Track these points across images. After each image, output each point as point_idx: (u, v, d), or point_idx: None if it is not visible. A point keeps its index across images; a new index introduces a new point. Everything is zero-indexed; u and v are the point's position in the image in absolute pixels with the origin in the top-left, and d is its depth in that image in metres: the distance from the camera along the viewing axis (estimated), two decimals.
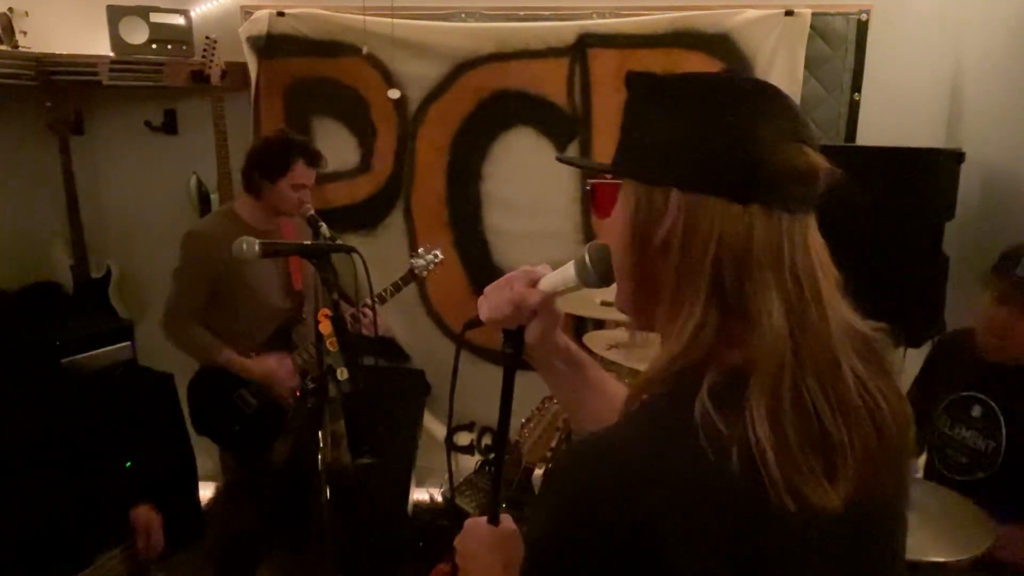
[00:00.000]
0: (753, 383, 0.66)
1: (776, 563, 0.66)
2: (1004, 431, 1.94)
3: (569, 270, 0.92)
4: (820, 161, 0.71)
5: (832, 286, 0.72)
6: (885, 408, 0.71)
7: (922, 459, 2.23)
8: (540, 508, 0.73)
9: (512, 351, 0.99)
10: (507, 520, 0.98)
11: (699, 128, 0.70)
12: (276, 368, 2.51)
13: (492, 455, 3.16)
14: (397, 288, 2.75)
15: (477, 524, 0.98)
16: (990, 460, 1.96)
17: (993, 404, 1.97)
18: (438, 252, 2.81)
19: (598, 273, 0.89)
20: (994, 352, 1.95)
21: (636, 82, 0.76)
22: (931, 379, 2.20)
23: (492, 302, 0.97)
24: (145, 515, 1.89)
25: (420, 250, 2.83)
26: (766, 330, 0.67)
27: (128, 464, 2.44)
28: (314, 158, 2.53)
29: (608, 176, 0.79)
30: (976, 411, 2.01)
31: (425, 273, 2.78)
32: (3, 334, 2.74)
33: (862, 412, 0.69)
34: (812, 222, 0.72)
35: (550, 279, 0.96)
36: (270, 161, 2.48)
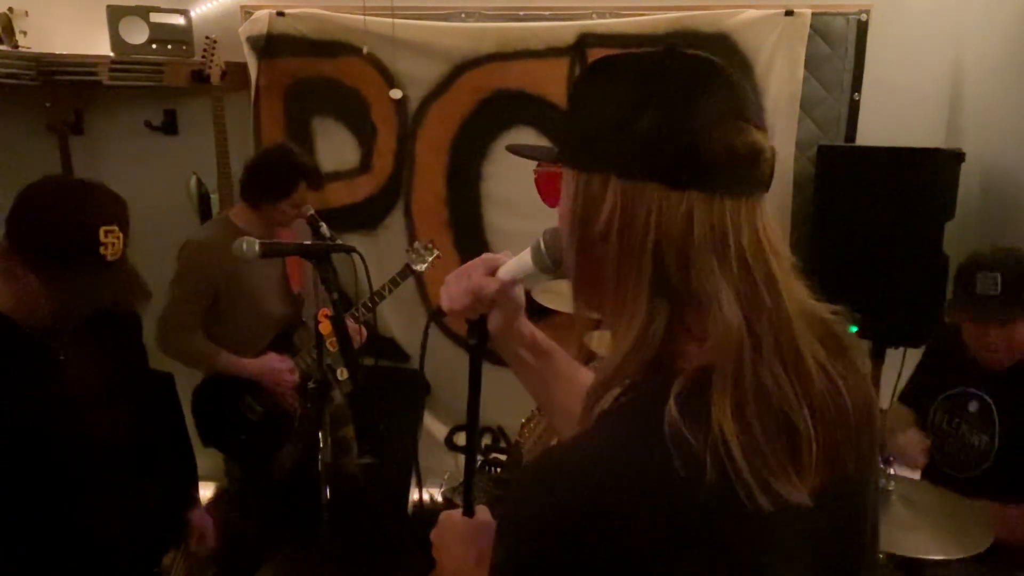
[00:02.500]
0: (715, 379, 0.64)
1: (755, 561, 0.65)
2: (997, 427, 1.95)
3: (526, 257, 0.91)
4: (761, 141, 0.68)
5: (786, 269, 0.70)
6: (845, 392, 0.70)
7: None
8: (504, 527, 0.69)
9: (476, 341, 0.99)
10: (482, 512, 0.98)
11: (633, 112, 0.66)
12: (276, 365, 2.50)
13: (492, 455, 3.16)
14: (395, 284, 2.74)
15: (451, 516, 0.98)
16: (985, 455, 1.97)
17: (989, 400, 1.98)
18: (432, 245, 2.79)
19: (552, 258, 0.87)
20: (994, 362, 1.97)
21: (587, 65, 0.74)
22: (928, 374, 2.21)
23: (451, 292, 0.96)
24: (199, 519, 1.89)
25: (416, 244, 2.82)
26: (719, 319, 0.65)
27: None
28: (317, 183, 2.53)
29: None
30: (973, 406, 2.02)
31: (422, 267, 2.76)
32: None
33: (825, 398, 0.68)
34: (760, 204, 0.69)
35: (508, 267, 0.95)
36: (273, 182, 2.47)
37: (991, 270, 1.88)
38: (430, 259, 2.77)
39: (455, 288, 0.96)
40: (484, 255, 0.97)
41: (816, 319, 0.72)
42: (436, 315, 1.00)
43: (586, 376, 1.05)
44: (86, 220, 1.43)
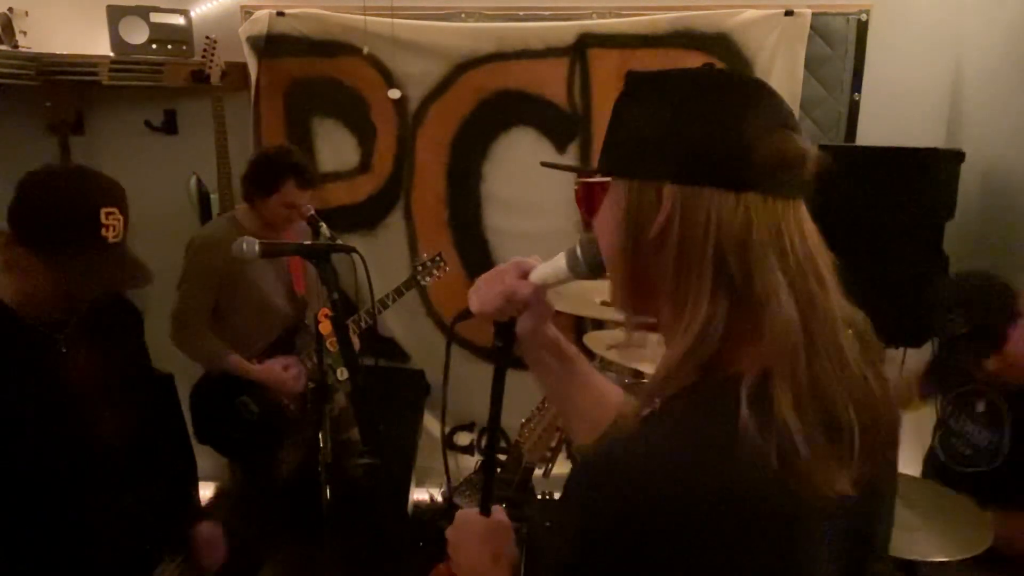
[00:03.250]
0: (776, 376, 0.66)
1: (804, 550, 0.67)
2: (1007, 427, 1.95)
3: (560, 262, 0.92)
4: (808, 147, 0.71)
5: (830, 270, 0.72)
6: (878, 396, 0.72)
7: (922, 451, 2.24)
8: (568, 516, 0.70)
9: (503, 344, 0.99)
10: (498, 512, 0.98)
11: (687, 121, 0.69)
12: (282, 375, 2.51)
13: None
14: (399, 294, 2.77)
15: (468, 515, 0.98)
16: (992, 454, 1.97)
17: (997, 400, 1.99)
18: (439, 258, 2.81)
19: (588, 264, 0.89)
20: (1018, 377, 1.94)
21: (626, 82, 0.76)
22: (947, 365, 2.20)
23: (483, 294, 0.97)
24: (208, 529, 1.88)
25: (424, 256, 2.84)
26: (777, 315, 0.67)
27: None
28: (305, 180, 2.53)
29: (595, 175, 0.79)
30: (980, 406, 2.03)
31: (428, 280, 2.79)
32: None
33: (862, 397, 0.70)
34: (804, 207, 0.72)
35: (541, 271, 0.95)
36: (262, 177, 2.50)
37: (957, 312, 1.90)
38: (436, 272, 2.79)
39: (487, 291, 0.96)
40: (515, 258, 0.98)
41: (851, 321, 0.74)
42: (464, 316, 1.00)
43: (603, 382, 1.06)
44: (87, 201, 1.44)
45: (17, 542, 1.51)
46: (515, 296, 0.95)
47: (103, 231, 1.44)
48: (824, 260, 0.72)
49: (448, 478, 0.90)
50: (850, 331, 0.72)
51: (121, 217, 1.47)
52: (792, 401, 0.65)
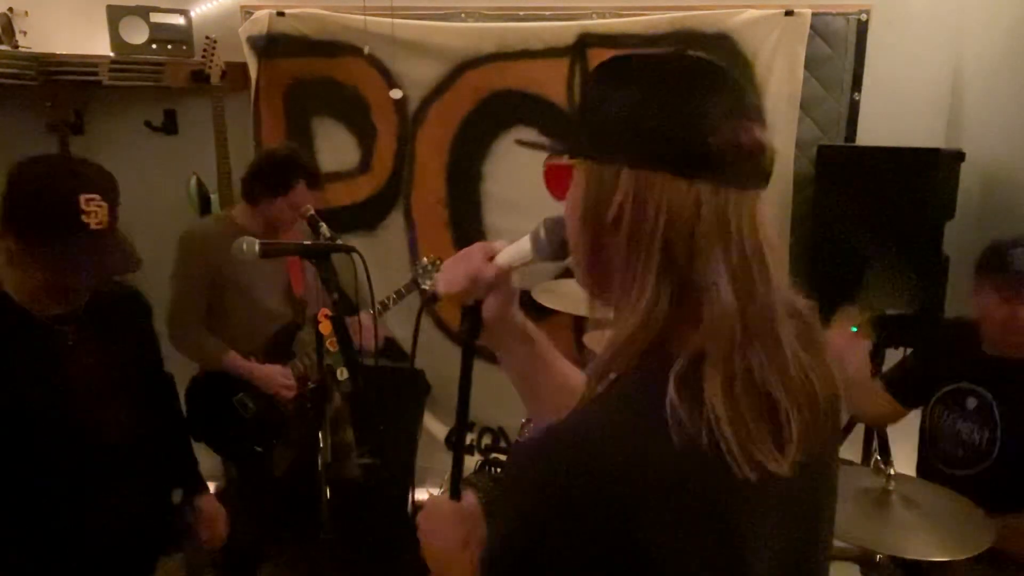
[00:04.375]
0: (708, 360, 0.68)
1: (743, 530, 0.69)
2: (999, 424, 1.93)
3: (524, 243, 0.94)
4: (764, 137, 0.72)
5: (778, 263, 0.73)
6: (815, 382, 0.74)
7: (913, 455, 2.24)
8: (508, 496, 0.72)
9: (469, 327, 1.01)
10: (469, 497, 0.99)
11: (645, 106, 0.70)
12: (280, 378, 2.51)
13: (492, 455, 3.16)
14: (400, 296, 2.77)
15: (438, 500, 0.99)
16: (985, 453, 1.96)
17: (988, 396, 1.97)
18: (440, 263, 2.81)
19: (552, 246, 0.90)
20: (1001, 345, 1.95)
21: (597, 66, 0.77)
22: (926, 368, 2.20)
23: (449, 275, 0.99)
24: (210, 504, 1.88)
25: (424, 259, 2.84)
26: (715, 304, 0.69)
27: None
28: (316, 182, 2.54)
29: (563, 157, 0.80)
30: (971, 403, 2.01)
31: (428, 283, 2.79)
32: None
33: (798, 383, 0.72)
34: (759, 198, 0.73)
35: (506, 253, 0.97)
36: (272, 178, 2.48)
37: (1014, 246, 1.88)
38: (438, 275, 2.79)
39: (453, 272, 0.99)
40: (481, 241, 1.00)
41: (796, 312, 0.77)
42: (431, 299, 1.02)
43: (566, 366, 1.08)
44: (65, 187, 1.44)
45: (22, 535, 1.51)
46: (480, 277, 0.97)
47: (84, 217, 1.43)
48: (773, 253, 0.72)
49: (457, 473, 0.90)
50: (790, 320, 0.74)
51: (104, 204, 1.47)
52: (722, 384, 0.67)
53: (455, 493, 0.98)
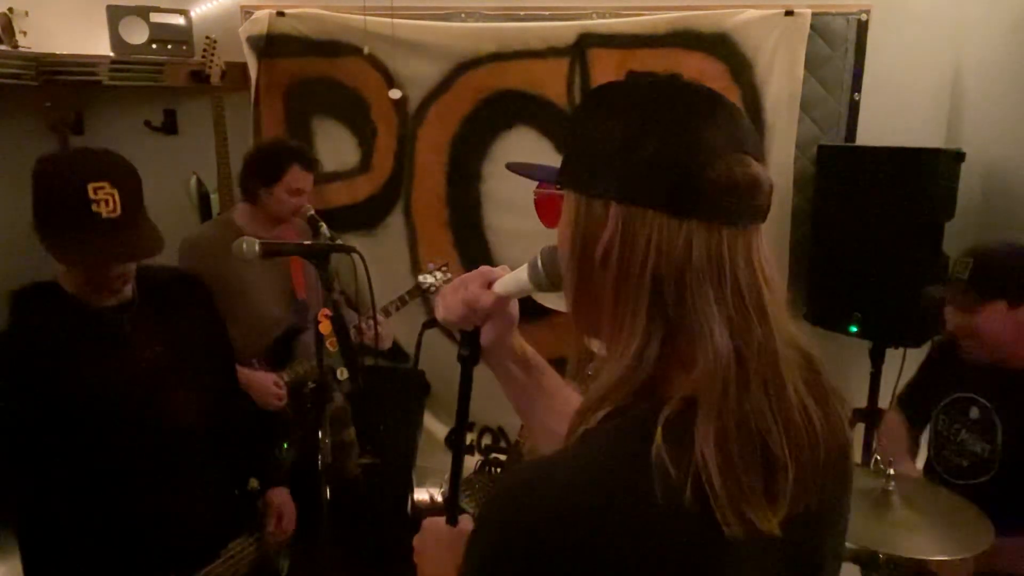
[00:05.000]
0: (701, 407, 0.65)
1: None
2: (1000, 434, 1.92)
3: (522, 273, 0.93)
4: (761, 172, 0.69)
5: (778, 302, 0.70)
6: (820, 431, 0.70)
7: (921, 460, 2.23)
8: (476, 537, 0.70)
9: (468, 353, 0.99)
10: (465, 520, 0.98)
11: (636, 138, 0.67)
12: (271, 387, 2.48)
13: (492, 455, 3.15)
14: (403, 302, 2.77)
15: (434, 523, 0.98)
16: (988, 464, 1.94)
17: (989, 406, 1.95)
18: (446, 268, 2.81)
19: (549, 277, 0.88)
20: (976, 353, 1.96)
21: (588, 93, 0.76)
22: (930, 379, 2.20)
23: (447, 302, 0.97)
24: (280, 497, 1.89)
25: (430, 265, 2.84)
26: (709, 346, 0.65)
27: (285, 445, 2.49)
28: (309, 162, 2.52)
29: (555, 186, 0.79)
30: (973, 413, 1.99)
31: (433, 290, 2.79)
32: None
33: (802, 432, 0.68)
34: (757, 235, 0.70)
35: (504, 281, 0.96)
36: (265, 167, 2.49)
37: (969, 256, 1.91)
38: (442, 280, 2.79)
39: (451, 298, 0.97)
40: (482, 267, 0.99)
41: (802, 355, 0.73)
42: (429, 324, 1.03)
43: (569, 394, 1.05)
44: (72, 178, 1.44)
45: (93, 525, 1.54)
46: (477, 305, 0.95)
47: (93, 207, 1.42)
48: (773, 294, 0.69)
49: (454, 498, 0.89)
50: (796, 363, 0.70)
51: (115, 191, 1.45)
52: (715, 434, 0.63)
53: (451, 518, 0.98)
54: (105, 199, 1.44)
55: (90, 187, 1.42)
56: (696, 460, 0.63)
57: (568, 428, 0.73)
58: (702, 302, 0.66)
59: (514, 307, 1.01)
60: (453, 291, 0.97)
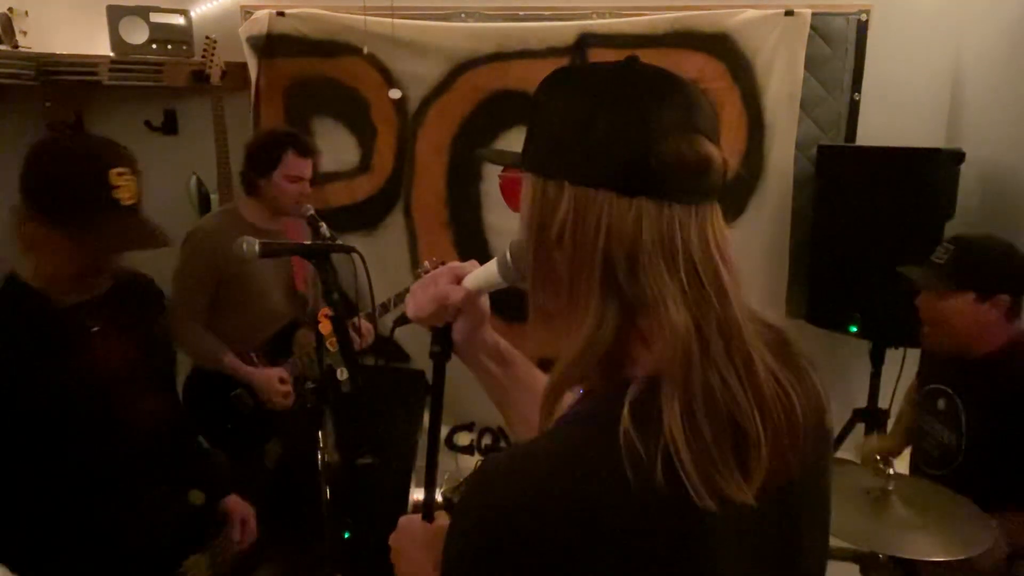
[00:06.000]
0: (665, 384, 0.66)
1: (700, 562, 0.67)
2: (963, 424, 1.94)
3: (492, 267, 0.92)
4: (712, 151, 0.70)
5: (735, 279, 0.71)
6: (795, 400, 0.71)
7: (907, 453, 2.25)
8: (453, 529, 0.70)
9: (440, 349, 0.99)
10: (442, 518, 0.98)
11: (588, 120, 0.68)
12: (276, 384, 2.49)
13: (492, 455, 3.15)
14: (400, 298, 2.76)
15: (411, 521, 0.98)
16: (954, 454, 1.96)
17: (954, 396, 1.97)
18: (444, 264, 2.80)
19: (518, 270, 0.88)
20: (935, 342, 1.98)
21: (547, 76, 0.76)
22: (919, 371, 2.23)
23: (417, 299, 0.97)
24: (238, 504, 1.86)
25: (427, 263, 2.83)
26: (666, 322, 0.66)
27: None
28: (304, 148, 2.53)
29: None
30: (940, 403, 2.02)
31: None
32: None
33: (776, 402, 0.69)
34: (712, 212, 0.70)
35: (474, 276, 0.96)
36: (261, 155, 2.50)
37: (951, 243, 1.93)
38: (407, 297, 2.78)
39: (421, 296, 0.97)
40: (450, 263, 0.99)
41: (769, 330, 0.74)
42: (400, 322, 1.02)
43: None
44: (95, 162, 1.42)
45: (50, 530, 1.49)
46: (447, 300, 0.95)
47: (115, 192, 1.41)
48: (730, 271, 0.70)
49: (430, 495, 0.90)
50: (763, 336, 0.71)
51: (133, 178, 1.45)
52: (681, 409, 0.64)
53: (427, 515, 0.98)
54: (126, 185, 1.43)
55: (112, 173, 1.41)
56: (665, 437, 0.64)
57: (539, 413, 0.74)
58: (656, 279, 0.67)
59: (485, 302, 1.01)
60: (423, 288, 0.97)
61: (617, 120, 0.68)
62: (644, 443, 0.63)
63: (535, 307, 0.79)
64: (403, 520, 0.99)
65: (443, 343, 0.99)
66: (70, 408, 1.47)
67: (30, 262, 1.47)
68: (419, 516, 0.98)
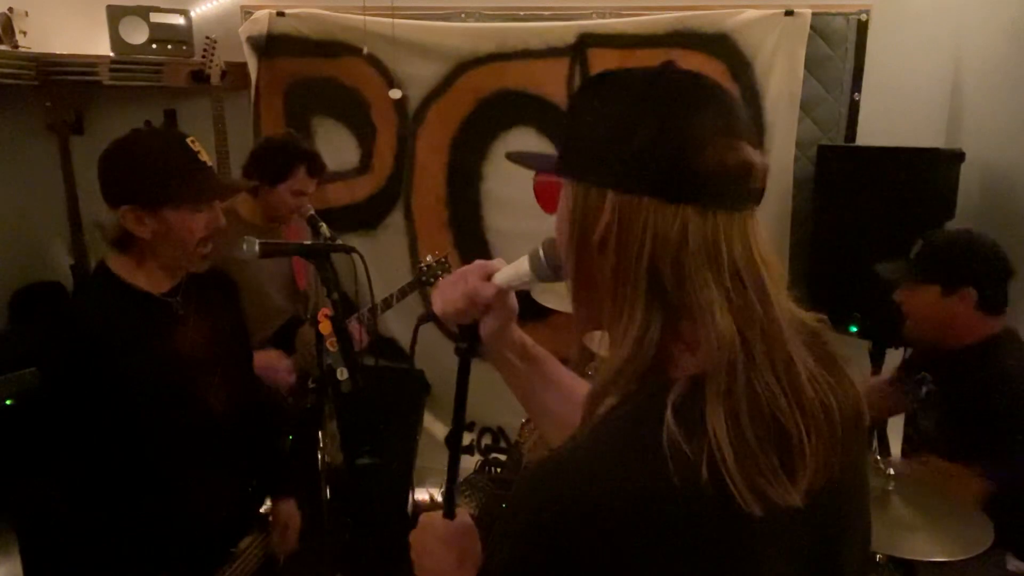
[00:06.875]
0: (709, 387, 0.66)
1: (747, 564, 0.67)
2: (942, 412, 1.96)
3: (523, 264, 0.93)
4: (753, 156, 0.70)
5: (777, 282, 0.71)
6: (833, 401, 0.71)
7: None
8: (505, 531, 0.71)
9: (467, 346, 0.99)
10: (462, 514, 0.98)
11: (630, 126, 0.68)
12: (276, 363, 2.50)
13: (492, 455, 3.16)
14: (403, 294, 2.76)
15: (432, 518, 0.97)
16: (934, 440, 1.98)
17: (935, 383, 2.01)
18: (446, 260, 2.81)
19: (551, 267, 0.89)
20: (911, 335, 2.02)
21: (585, 81, 0.77)
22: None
23: (446, 295, 0.97)
24: (288, 510, 1.90)
25: (428, 258, 2.83)
26: (711, 329, 0.67)
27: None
28: (317, 167, 2.52)
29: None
30: (924, 391, 2.05)
31: (433, 281, 2.78)
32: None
33: (815, 405, 0.70)
34: (752, 217, 0.71)
35: (504, 273, 0.96)
36: (271, 164, 2.47)
37: (921, 238, 1.97)
38: (442, 274, 2.78)
39: (450, 292, 0.96)
40: (479, 261, 0.98)
41: (806, 329, 0.74)
42: (427, 318, 1.01)
43: (572, 381, 1.06)
44: (173, 138, 1.60)
45: (130, 506, 1.55)
46: (477, 297, 0.95)
47: (199, 156, 1.57)
48: (771, 275, 0.70)
49: (451, 493, 0.88)
50: (801, 339, 0.71)
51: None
52: (726, 414, 0.65)
53: (449, 512, 0.97)
54: (200, 149, 1.58)
55: (188, 140, 1.57)
56: (709, 441, 0.64)
57: (581, 417, 0.74)
58: (701, 285, 0.67)
59: (513, 299, 1.00)
60: (452, 285, 0.97)
61: (659, 127, 0.68)
62: (689, 446, 0.64)
63: (576, 312, 0.79)
64: (424, 517, 0.98)
65: (470, 340, 0.99)
66: (159, 389, 1.55)
67: (120, 259, 1.58)
68: (440, 513, 0.98)
